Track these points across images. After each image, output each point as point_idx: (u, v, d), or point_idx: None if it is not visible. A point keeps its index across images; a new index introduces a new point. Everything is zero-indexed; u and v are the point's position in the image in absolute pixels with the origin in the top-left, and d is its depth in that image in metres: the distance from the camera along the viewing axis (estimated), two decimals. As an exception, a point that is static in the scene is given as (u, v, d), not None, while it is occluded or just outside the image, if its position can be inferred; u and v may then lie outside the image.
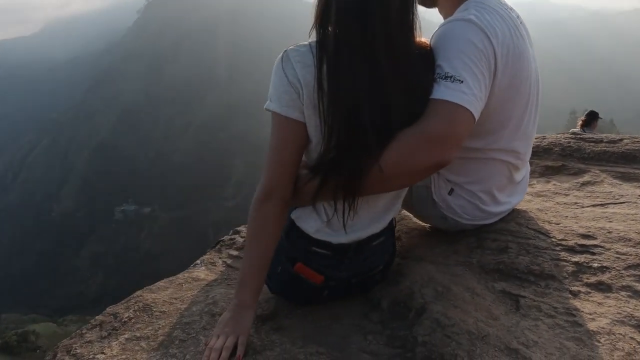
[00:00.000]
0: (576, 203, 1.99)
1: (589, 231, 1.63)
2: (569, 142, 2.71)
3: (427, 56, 1.26)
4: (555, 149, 2.70)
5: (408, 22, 1.19)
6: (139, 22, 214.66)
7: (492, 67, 1.28)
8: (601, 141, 2.69)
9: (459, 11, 1.39)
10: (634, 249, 1.49)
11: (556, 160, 2.61)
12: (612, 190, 2.09)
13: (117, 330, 1.38)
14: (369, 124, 1.14)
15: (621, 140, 2.69)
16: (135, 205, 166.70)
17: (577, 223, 1.72)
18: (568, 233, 1.64)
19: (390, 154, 1.16)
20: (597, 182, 2.23)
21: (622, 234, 1.59)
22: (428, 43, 1.30)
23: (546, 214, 1.86)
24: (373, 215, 1.34)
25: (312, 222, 1.31)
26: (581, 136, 2.80)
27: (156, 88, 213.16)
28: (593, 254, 1.51)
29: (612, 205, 1.91)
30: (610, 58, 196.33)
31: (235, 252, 2.00)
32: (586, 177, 2.30)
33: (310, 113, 1.18)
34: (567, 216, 1.81)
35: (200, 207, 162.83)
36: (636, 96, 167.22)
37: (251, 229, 1.30)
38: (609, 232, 1.61)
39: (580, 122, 6.79)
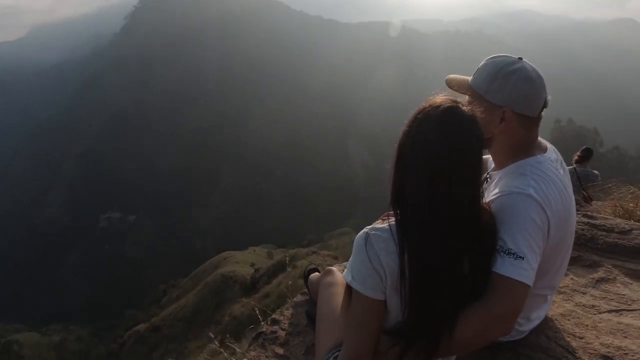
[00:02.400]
0: (594, 306, 2.15)
1: (609, 352, 1.81)
2: (583, 230, 2.81)
3: (489, 224, 1.37)
4: (571, 237, 2.86)
5: (477, 202, 1.30)
6: (126, 28, 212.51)
7: (545, 236, 1.40)
8: (613, 230, 2.82)
9: (515, 172, 1.50)
10: None
11: (572, 250, 2.76)
12: (624, 294, 2.25)
13: None
14: (446, 303, 1.28)
15: (631, 231, 2.82)
16: (120, 213, 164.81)
17: (597, 339, 1.89)
18: (592, 354, 1.81)
19: (463, 330, 1.30)
20: (610, 279, 2.39)
21: (636, 357, 1.77)
22: (488, 208, 1.41)
23: (569, 320, 2.03)
24: None
25: None
26: (593, 223, 2.97)
27: (144, 95, 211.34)
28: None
29: (626, 313, 2.08)
30: (594, 67, 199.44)
31: (281, 350, 2.04)
32: (600, 273, 2.45)
33: (392, 294, 1.31)
34: (587, 325, 1.99)
35: (186, 214, 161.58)
36: (619, 105, 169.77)
37: None
38: (625, 354, 1.78)
39: (575, 158, 6.66)
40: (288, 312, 2.41)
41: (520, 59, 1.53)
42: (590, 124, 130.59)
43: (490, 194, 1.50)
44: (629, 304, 2.14)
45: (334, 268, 1.99)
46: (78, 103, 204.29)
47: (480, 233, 1.31)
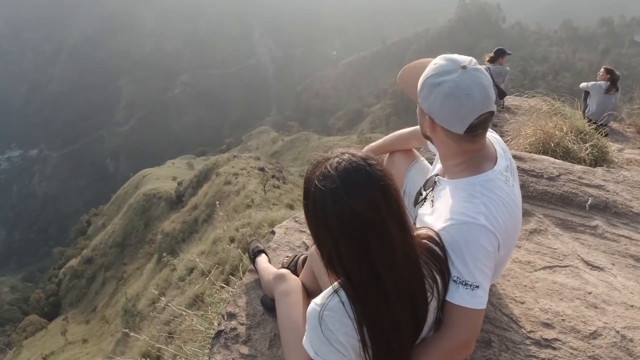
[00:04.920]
0: (529, 262, 2.23)
1: (548, 318, 1.89)
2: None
3: (434, 255, 1.37)
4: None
5: (410, 242, 1.27)
6: None
7: (495, 255, 1.43)
8: (542, 176, 2.91)
9: (465, 191, 1.46)
10: (582, 343, 1.78)
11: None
12: (556, 247, 2.34)
13: None
14: (407, 346, 1.32)
15: (559, 177, 2.92)
16: (20, 150, 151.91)
17: (537, 302, 1.97)
18: (533, 322, 1.88)
19: None
20: (542, 230, 2.49)
21: (572, 323, 1.87)
22: (432, 235, 1.40)
23: (509, 281, 2.10)
24: None
25: None
26: (523, 167, 2.99)
27: (17, 12, 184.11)
28: (554, 349, 1.77)
29: (559, 270, 2.18)
30: None
31: (246, 350, 2.04)
32: (532, 224, 2.53)
33: (354, 357, 1.29)
34: (525, 286, 2.07)
35: (92, 137, 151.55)
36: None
37: None
38: (562, 320, 1.88)
39: (487, 58, 7.12)
40: (242, 301, 2.33)
41: (464, 67, 1.38)
42: (493, 1, 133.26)
43: (440, 217, 1.45)
44: (560, 260, 2.24)
45: (285, 272, 1.94)
46: None
47: (424, 270, 1.32)
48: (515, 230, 1.57)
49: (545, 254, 2.29)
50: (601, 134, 4.70)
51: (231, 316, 2.22)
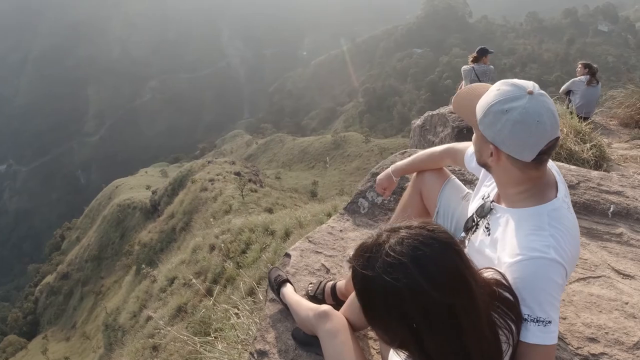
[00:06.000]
0: None
1: (592, 333, 1.91)
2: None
3: (506, 303, 1.31)
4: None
5: (487, 301, 1.21)
6: None
7: (565, 285, 1.40)
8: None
9: (531, 222, 1.41)
10: (627, 355, 1.80)
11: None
12: (587, 257, 2.35)
13: None
14: None
15: (579, 184, 2.90)
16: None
17: (578, 317, 1.99)
18: (579, 338, 1.90)
19: None
20: None
21: (615, 335, 1.88)
22: (500, 280, 1.34)
23: None
24: None
25: None
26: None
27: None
28: (602, 364, 1.82)
29: (592, 281, 2.20)
30: None
31: None
32: None
33: None
34: (564, 300, 2.07)
35: (62, 149, 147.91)
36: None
37: None
38: (606, 333, 1.90)
39: (471, 58, 7.10)
40: (270, 336, 2.20)
41: (530, 93, 1.33)
42: None
43: (506, 250, 1.40)
44: (592, 270, 2.25)
45: (327, 308, 1.84)
46: None
47: (499, 321, 1.27)
48: (578, 253, 1.52)
49: (577, 264, 2.26)
50: (589, 128, 4.85)
51: (262, 354, 2.10)
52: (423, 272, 1.06)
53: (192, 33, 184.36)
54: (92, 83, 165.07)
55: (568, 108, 5.85)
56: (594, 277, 2.20)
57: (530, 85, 1.36)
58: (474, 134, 1.52)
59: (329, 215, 8.79)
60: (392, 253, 1.08)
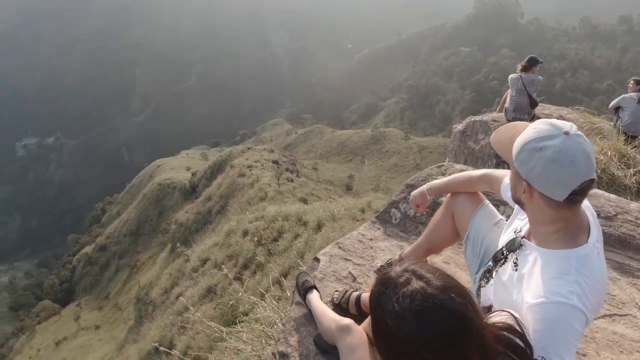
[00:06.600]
0: None
1: None
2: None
3: (514, 350, 1.29)
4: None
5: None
6: None
7: (583, 332, 1.39)
8: (599, 215, 2.72)
9: (558, 265, 1.40)
10: None
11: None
12: (615, 294, 2.29)
13: None
14: None
15: (616, 216, 2.81)
16: (37, 138, 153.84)
17: (598, 355, 1.95)
18: None
19: None
20: None
21: None
22: (512, 325, 1.34)
23: None
24: None
25: None
26: None
27: (31, 3, 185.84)
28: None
29: (618, 319, 2.15)
30: None
31: None
32: None
33: None
34: (586, 336, 2.02)
35: (108, 127, 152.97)
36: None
37: None
38: None
39: (520, 67, 6.88)
40: (293, 339, 2.27)
41: (566, 133, 1.35)
42: None
43: (530, 290, 1.39)
44: (619, 307, 2.21)
45: (349, 323, 1.87)
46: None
47: None
48: (603, 300, 1.54)
49: (605, 300, 2.23)
50: (635, 147, 4.64)
51: (284, 356, 2.18)
52: (421, 332, 1.11)
53: (238, 21, 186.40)
54: (140, 65, 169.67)
55: (615, 126, 5.67)
56: (620, 315, 2.16)
57: (567, 125, 1.36)
58: (510, 170, 1.54)
59: (362, 210, 8.74)
60: (401, 303, 1.14)
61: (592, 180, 1.36)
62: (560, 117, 5.58)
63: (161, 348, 4.17)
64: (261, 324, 3.00)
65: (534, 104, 6.59)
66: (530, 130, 1.41)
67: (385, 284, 1.20)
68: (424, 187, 2.28)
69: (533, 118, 6.51)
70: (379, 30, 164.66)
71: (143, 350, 10.57)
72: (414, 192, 2.32)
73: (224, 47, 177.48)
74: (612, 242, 2.63)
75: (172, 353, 3.96)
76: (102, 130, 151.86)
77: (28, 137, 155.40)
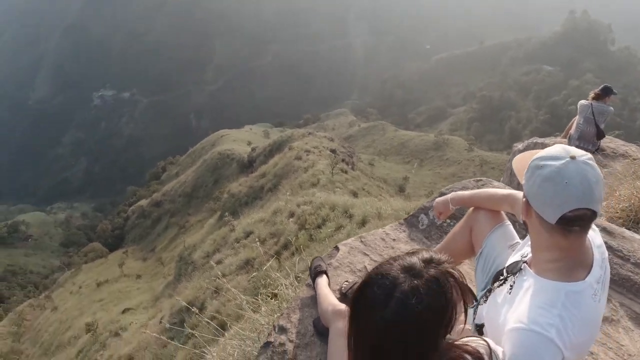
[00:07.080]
0: (592, 354, 2.09)
1: None
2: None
3: None
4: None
5: None
6: None
7: None
8: (628, 260, 2.66)
9: (547, 295, 1.38)
10: None
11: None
12: (624, 344, 2.20)
13: None
14: None
15: None
16: (114, 91, 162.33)
17: None
18: None
19: None
20: (614, 320, 2.35)
21: None
22: (478, 352, 1.25)
23: None
24: None
25: None
26: (610, 244, 2.71)
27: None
28: None
29: None
30: None
31: None
32: (606, 311, 2.29)
33: None
34: None
35: (181, 91, 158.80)
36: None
37: None
38: None
39: (592, 95, 6.54)
40: (295, 317, 2.33)
41: (573, 157, 1.33)
42: (606, 19, 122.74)
43: (514, 315, 1.38)
44: (625, 358, 2.10)
45: (344, 309, 1.91)
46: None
47: None
48: (590, 343, 1.48)
49: (611, 348, 2.16)
50: None
51: (282, 330, 2.23)
52: (382, 320, 1.10)
53: (320, 7, 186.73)
54: (220, 37, 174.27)
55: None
56: None
57: (580, 153, 1.34)
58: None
59: (410, 214, 8.59)
60: (391, 310, 1.10)
61: (592, 213, 1.31)
62: (626, 154, 5.24)
63: (193, 308, 4.35)
64: (279, 299, 3.08)
65: (600, 134, 6.29)
66: (542, 150, 1.41)
67: (383, 280, 1.16)
68: (449, 195, 2.29)
69: (597, 149, 6.19)
70: (461, 35, 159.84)
71: (175, 306, 11.03)
72: (439, 199, 2.33)
73: (303, 30, 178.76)
74: (636, 290, 2.52)
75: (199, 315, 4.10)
76: (175, 93, 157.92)
77: (106, 88, 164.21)
